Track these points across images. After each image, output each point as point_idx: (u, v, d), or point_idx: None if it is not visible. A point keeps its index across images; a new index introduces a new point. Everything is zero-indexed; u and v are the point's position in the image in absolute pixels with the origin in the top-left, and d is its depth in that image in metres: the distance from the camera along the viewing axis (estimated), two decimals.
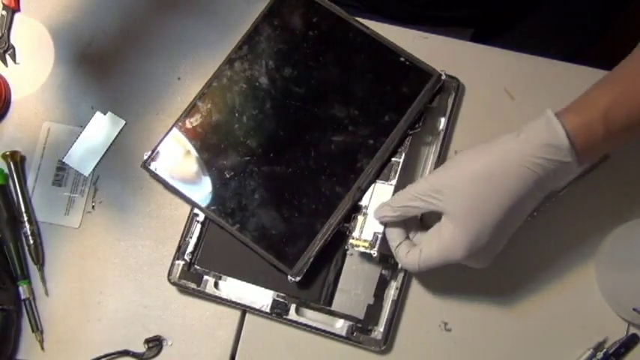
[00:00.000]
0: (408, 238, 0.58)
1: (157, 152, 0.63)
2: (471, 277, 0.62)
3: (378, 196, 0.60)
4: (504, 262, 0.62)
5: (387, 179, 0.61)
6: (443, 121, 0.64)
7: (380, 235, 0.58)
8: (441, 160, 0.63)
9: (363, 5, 0.78)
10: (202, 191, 0.62)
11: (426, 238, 0.56)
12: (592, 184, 0.64)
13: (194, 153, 0.63)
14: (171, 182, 0.62)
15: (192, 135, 0.63)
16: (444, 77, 0.63)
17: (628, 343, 0.61)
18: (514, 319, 0.62)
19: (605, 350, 0.61)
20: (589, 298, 0.62)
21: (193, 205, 0.62)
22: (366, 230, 0.59)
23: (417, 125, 0.62)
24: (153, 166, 0.63)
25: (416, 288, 0.63)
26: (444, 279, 0.62)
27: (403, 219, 0.57)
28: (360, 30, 0.64)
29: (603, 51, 0.61)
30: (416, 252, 0.56)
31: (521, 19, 0.80)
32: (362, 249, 0.59)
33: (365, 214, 0.60)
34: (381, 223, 0.59)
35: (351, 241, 0.59)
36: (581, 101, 0.54)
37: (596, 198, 0.64)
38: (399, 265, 0.58)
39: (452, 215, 0.53)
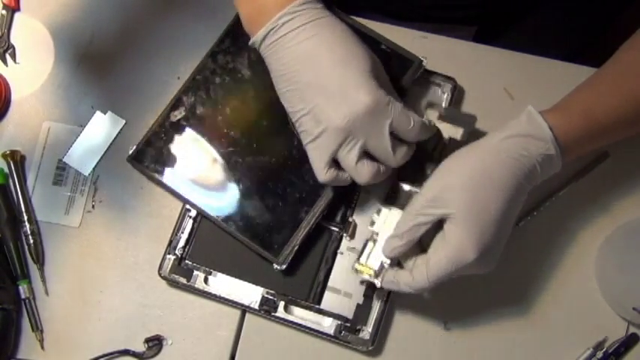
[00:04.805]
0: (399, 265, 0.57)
1: (142, 146, 0.63)
2: (470, 277, 0.62)
3: (391, 223, 0.57)
4: (504, 262, 0.62)
5: (401, 207, 0.58)
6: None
7: (386, 266, 0.57)
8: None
9: (366, 3, 0.78)
10: (187, 183, 0.62)
11: (430, 249, 0.54)
12: (592, 183, 0.64)
13: (178, 146, 0.63)
14: (156, 175, 0.63)
15: (176, 128, 0.64)
16: (425, 63, 0.64)
17: (628, 343, 0.61)
18: (514, 319, 0.62)
19: (604, 349, 0.61)
20: (589, 298, 0.62)
21: (178, 197, 0.62)
22: (373, 257, 0.58)
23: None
24: (138, 160, 0.63)
25: None
26: None
27: (413, 243, 0.55)
28: (340, 19, 0.64)
29: (603, 51, 0.61)
30: (422, 266, 0.53)
31: (522, 19, 0.80)
32: (366, 276, 0.57)
33: (375, 241, 0.59)
34: (393, 257, 0.56)
35: (356, 265, 0.58)
36: (562, 102, 0.56)
37: (596, 198, 0.64)
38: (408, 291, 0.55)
39: (455, 218, 0.52)
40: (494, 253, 0.54)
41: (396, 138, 0.55)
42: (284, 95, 0.56)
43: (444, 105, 0.64)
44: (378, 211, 0.59)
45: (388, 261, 0.57)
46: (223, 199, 0.62)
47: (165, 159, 0.63)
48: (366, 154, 0.55)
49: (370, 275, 0.57)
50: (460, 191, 0.52)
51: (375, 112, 0.53)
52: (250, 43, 0.57)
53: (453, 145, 0.60)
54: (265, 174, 0.62)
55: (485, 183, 0.52)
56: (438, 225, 0.54)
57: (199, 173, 0.62)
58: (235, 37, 0.65)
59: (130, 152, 0.63)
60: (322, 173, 0.55)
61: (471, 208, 0.52)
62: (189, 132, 0.63)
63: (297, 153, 0.62)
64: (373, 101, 0.52)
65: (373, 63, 0.55)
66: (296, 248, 0.60)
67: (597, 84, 0.57)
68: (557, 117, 0.53)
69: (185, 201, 0.62)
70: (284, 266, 0.60)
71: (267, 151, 0.63)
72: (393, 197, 0.60)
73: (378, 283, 0.57)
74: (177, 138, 0.63)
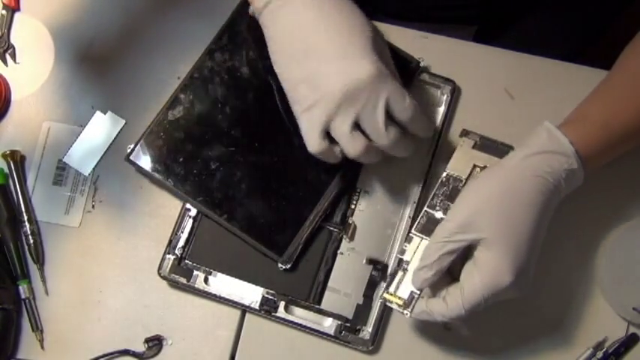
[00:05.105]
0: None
1: (140, 145, 0.63)
2: None
3: (422, 252, 0.56)
4: None
5: (429, 235, 0.57)
6: (438, 121, 0.65)
7: (416, 296, 0.56)
8: (435, 159, 0.63)
9: (366, 3, 0.78)
10: (189, 183, 0.62)
11: (463, 276, 0.53)
12: (592, 184, 0.64)
13: (178, 145, 0.63)
14: (157, 175, 0.62)
15: (175, 127, 0.63)
16: (422, 64, 0.64)
17: (628, 343, 0.61)
18: (513, 319, 0.62)
19: (605, 349, 0.61)
20: (589, 297, 0.62)
21: (180, 197, 0.62)
22: (403, 287, 0.57)
23: None
24: (137, 159, 0.63)
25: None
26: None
27: (442, 272, 0.54)
28: None
29: (603, 51, 0.62)
30: (456, 293, 0.52)
31: (522, 19, 0.80)
32: (395, 306, 0.56)
33: (405, 270, 0.57)
34: (423, 288, 0.55)
35: (385, 295, 0.57)
36: (577, 114, 0.56)
37: (597, 198, 0.64)
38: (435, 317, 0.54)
39: (487, 242, 0.51)
40: (528, 274, 0.52)
41: (389, 118, 0.54)
42: (280, 61, 0.55)
43: (438, 115, 0.63)
44: (409, 239, 0.58)
45: (417, 292, 0.56)
46: (225, 199, 0.62)
47: (165, 158, 0.63)
48: (358, 129, 0.54)
49: (399, 305, 0.56)
50: (490, 215, 0.51)
51: (375, 82, 0.52)
52: (251, 11, 0.57)
53: None
54: (268, 173, 0.62)
55: (514, 204, 0.51)
56: (467, 250, 0.53)
57: (200, 172, 0.62)
58: (233, 34, 0.65)
59: (128, 151, 0.63)
60: (315, 143, 0.54)
61: (503, 231, 0.51)
62: (187, 131, 0.63)
63: (298, 152, 0.62)
64: (375, 71, 0.52)
65: (375, 36, 0.55)
66: (300, 247, 0.61)
67: (609, 95, 0.56)
68: (576, 131, 0.53)
69: (186, 200, 0.62)
70: (289, 265, 0.60)
71: (269, 150, 0.63)
72: (423, 225, 0.58)
73: (407, 313, 0.56)
74: (175, 137, 0.63)
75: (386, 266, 0.61)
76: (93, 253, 0.64)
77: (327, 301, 0.62)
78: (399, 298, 0.56)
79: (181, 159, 0.63)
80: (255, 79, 0.64)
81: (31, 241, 0.63)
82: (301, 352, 0.62)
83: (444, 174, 0.60)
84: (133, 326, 0.62)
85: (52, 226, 0.65)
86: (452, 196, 0.58)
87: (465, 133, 0.62)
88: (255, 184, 0.62)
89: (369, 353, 0.61)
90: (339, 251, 0.62)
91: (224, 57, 0.64)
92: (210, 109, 0.64)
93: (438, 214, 0.58)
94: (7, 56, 0.68)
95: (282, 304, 0.61)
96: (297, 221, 0.61)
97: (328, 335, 0.60)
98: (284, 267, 0.60)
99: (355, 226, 0.63)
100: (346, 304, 0.61)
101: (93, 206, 0.65)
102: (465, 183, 0.59)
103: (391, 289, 0.57)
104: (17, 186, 0.64)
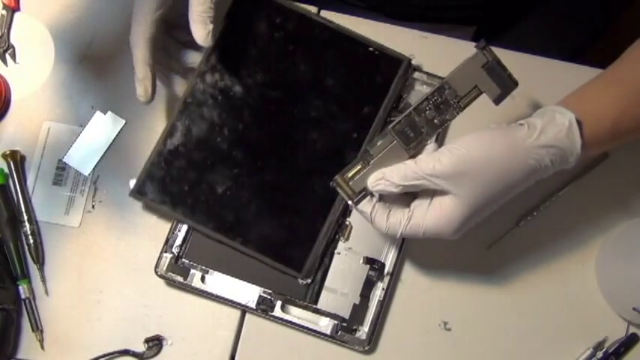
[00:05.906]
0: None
1: (143, 180, 0.61)
2: (470, 277, 0.62)
3: (390, 155, 0.54)
4: (505, 262, 0.63)
5: (406, 142, 0.55)
6: None
7: (368, 196, 0.55)
8: None
9: (365, 3, 0.78)
10: (198, 211, 0.61)
11: (416, 208, 0.54)
12: (592, 183, 0.64)
13: (181, 173, 0.61)
14: (164, 207, 0.61)
15: (175, 156, 0.62)
16: (414, 60, 0.64)
17: (628, 343, 0.61)
18: (514, 319, 0.62)
19: (605, 349, 0.61)
20: (589, 297, 0.62)
21: (192, 226, 0.61)
22: (358, 178, 0.54)
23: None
24: (141, 194, 0.61)
25: (409, 287, 0.63)
26: (441, 278, 0.63)
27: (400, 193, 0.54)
28: (325, 25, 0.64)
29: (603, 51, 0.61)
30: (401, 217, 0.53)
31: (522, 19, 0.80)
32: (342, 193, 0.55)
33: (367, 164, 0.54)
34: (374, 193, 0.55)
35: (337, 179, 0.55)
36: (588, 111, 0.55)
37: (596, 198, 0.64)
38: (379, 228, 0.54)
39: (458, 198, 0.52)
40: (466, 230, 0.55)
41: None
42: None
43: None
44: (384, 135, 0.55)
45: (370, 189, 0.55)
46: (236, 222, 0.61)
47: (169, 189, 0.61)
48: None
49: (347, 195, 0.55)
50: (477, 180, 0.52)
51: None
52: None
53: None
54: (275, 190, 0.61)
55: (502, 181, 0.52)
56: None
57: (207, 198, 0.61)
58: (221, 52, 0.63)
59: (132, 187, 0.61)
60: None
61: (478, 199, 0.52)
62: (188, 158, 0.62)
63: (303, 165, 0.62)
64: None
65: None
66: (318, 260, 0.60)
67: (620, 90, 0.55)
68: (590, 133, 0.53)
69: (197, 230, 0.61)
70: (309, 280, 0.60)
71: (273, 166, 0.62)
72: (402, 127, 0.55)
73: (351, 205, 0.55)
74: (177, 165, 0.61)
75: (383, 266, 0.61)
76: (93, 253, 0.64)
77: (324, 301, 0.61)
78: (350, 188, 0.55)
79: (186, 187, 0.61)
80: (249, 96, 0.63)
81: (31, 241, 0.63)
82: (301, 353, 0.62)
83: (444, 80, 0.56)
84: (132, 326, 0.62)
85: (52, 226, 0.65)
86: (441, 108, 0.55)
87: (482, 47, 0.56)
88: (263, 202, 0.61)
89: (365, 353, 0.61)
90: (335, 251, 0.62)
91: (215, 78, 0.63)
92: (208, 133, 0.62)
93: (420, 122, 0.55)
94: (7, 56, 0.68)
95: (278, 303, 0.61)
96: (311, 234, 0.60)
97: (325, 335, 0.60)
98: (305, 282, 0.60)
99: (352, 227, 0.63)
100: (343, 304, 0.61)
101: (93, 206, 0.65)
102: (460, 101, 0.56)
103: (348, 175, 0.55)
104: (17, 186, 0.64)
